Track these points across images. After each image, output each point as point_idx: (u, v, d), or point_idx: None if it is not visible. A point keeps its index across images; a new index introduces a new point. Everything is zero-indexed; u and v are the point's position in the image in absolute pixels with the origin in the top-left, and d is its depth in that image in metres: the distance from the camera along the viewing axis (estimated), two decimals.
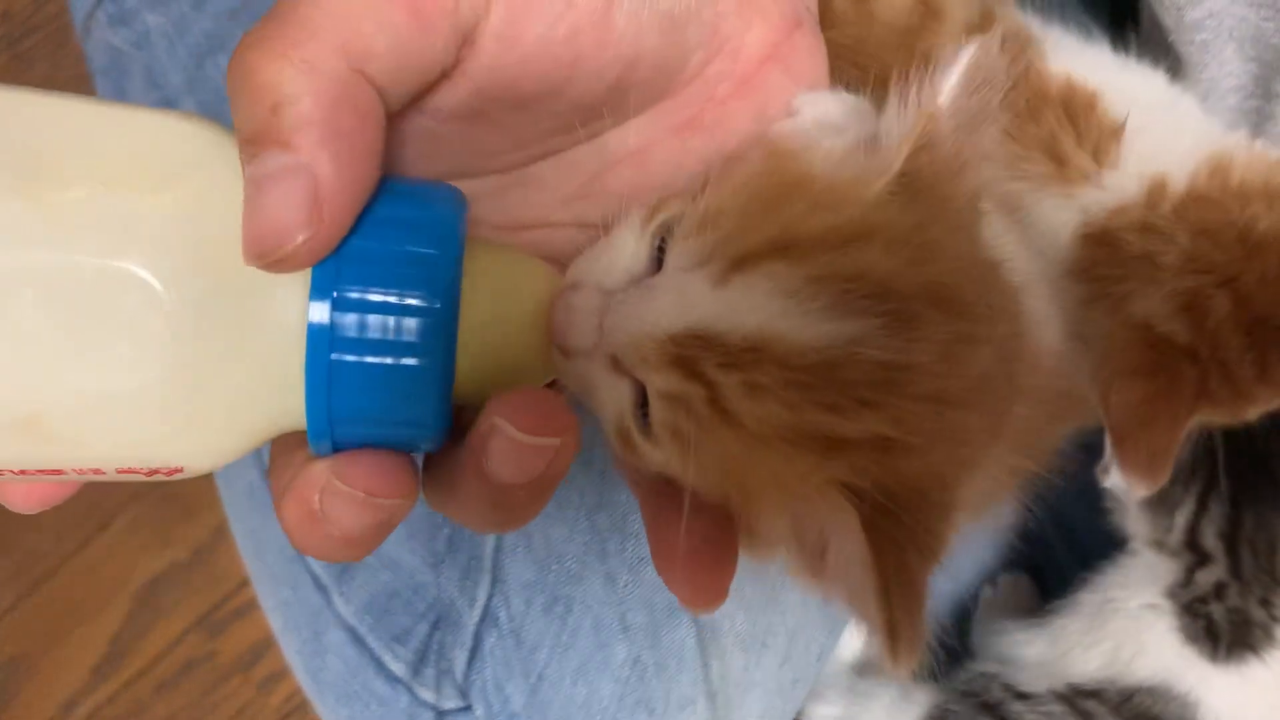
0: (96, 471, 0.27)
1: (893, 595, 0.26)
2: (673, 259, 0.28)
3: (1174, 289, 0.41)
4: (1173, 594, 0.56)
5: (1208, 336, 0.41)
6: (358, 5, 0.25)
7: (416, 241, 0.27)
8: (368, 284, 0.26)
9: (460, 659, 0.53)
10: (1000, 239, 0.34)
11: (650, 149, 0.34)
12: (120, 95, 0.61)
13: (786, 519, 0.29)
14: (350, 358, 0.26)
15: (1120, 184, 0.42)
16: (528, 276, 0.30)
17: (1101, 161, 0.42)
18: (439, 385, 0.27)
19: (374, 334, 0.26)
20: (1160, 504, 0.57)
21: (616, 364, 0.29)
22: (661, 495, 0.31)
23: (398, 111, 0.28)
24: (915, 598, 0.26)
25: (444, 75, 0.28)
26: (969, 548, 0.71)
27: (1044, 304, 0.37)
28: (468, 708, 0.53)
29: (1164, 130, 0.43)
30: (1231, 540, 0.56)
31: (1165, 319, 0.41)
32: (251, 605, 0.96)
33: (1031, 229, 0.43)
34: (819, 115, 0.34)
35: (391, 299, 0.26)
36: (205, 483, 0.99)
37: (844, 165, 0.29)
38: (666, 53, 0.31)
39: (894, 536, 0.26)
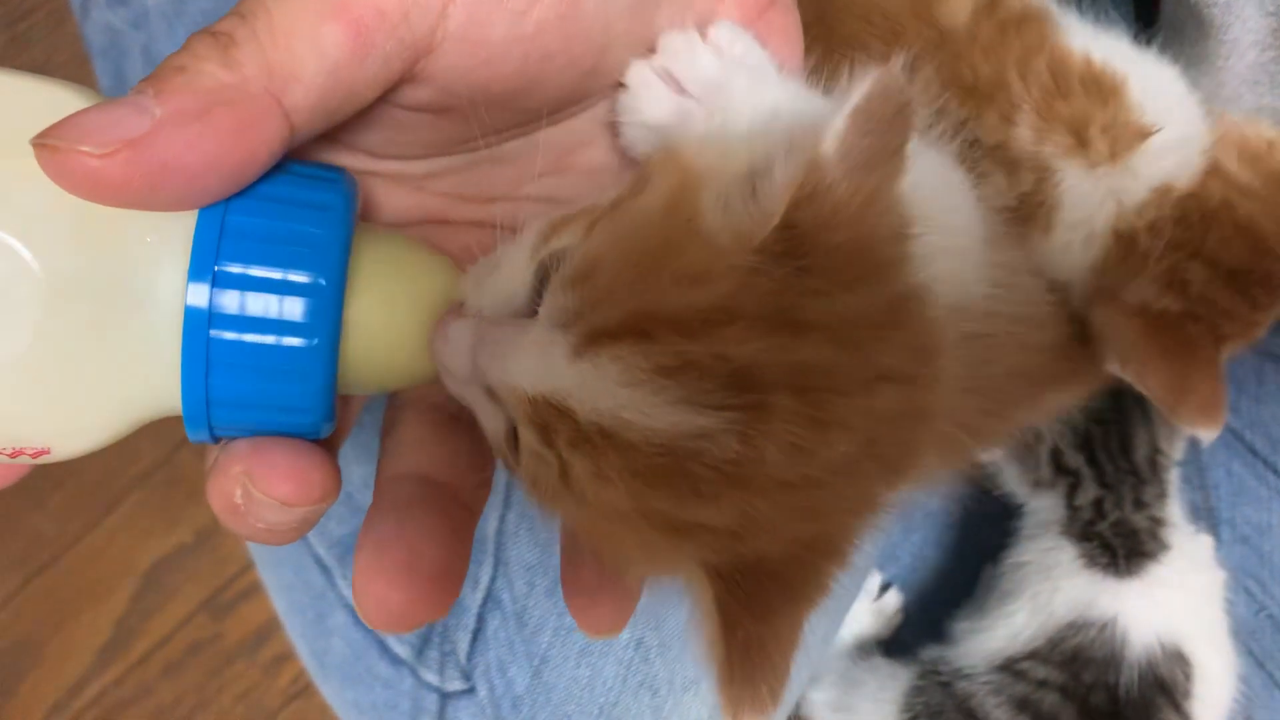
0: None
1: (735, 670, 0.26)
2: (545, 309, 0.27)
3: (1155, 271, 0.46)
4: (1065, 530, 0.59)
5: (1197, 300, 0.46)
6: (302, 20, 0.25)
7: (304, 220, 0.26)
8: (250, 260, 0.25)
9: (463, 641, 0.53)
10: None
11: None
12: (119, 76, 0.61)
13: (641, 572, 0.30)
14: (229, 335, 0.25)
15: (1136, 180, 0.46)
16: (423, 268, 0.30)
17: (1118, 157, 0.45)
18: (322, 368, 0.26)
19: (255, 311, 0.25)
20: (1025, 449, 0.62)
21: (492, 394, 0.28)
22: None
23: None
24: (766, 662, 0.26)
25: (399, 83, 0.27)
26: (971, 528, 0.70)
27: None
28: (471, 689, 0.53)
29: (1175, 135, 0.46)
30: (1089, 450, 0.59)
31: (1156, 297, 0.46)
32: (257, 587, 0.96)
33: (1065, 200, 0.46)
34: (667, 67, 0.31)
35: (275, 275, 0.25)
36: None
37: (733, 210, 0.27)
38: (637, 32, 0.31)
39: (746, 610, 0.26)
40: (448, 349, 0.28)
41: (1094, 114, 0.45)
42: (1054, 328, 0.38)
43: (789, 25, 0.34)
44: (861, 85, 0.25)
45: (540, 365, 0.26)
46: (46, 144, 0.23)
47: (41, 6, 1.08)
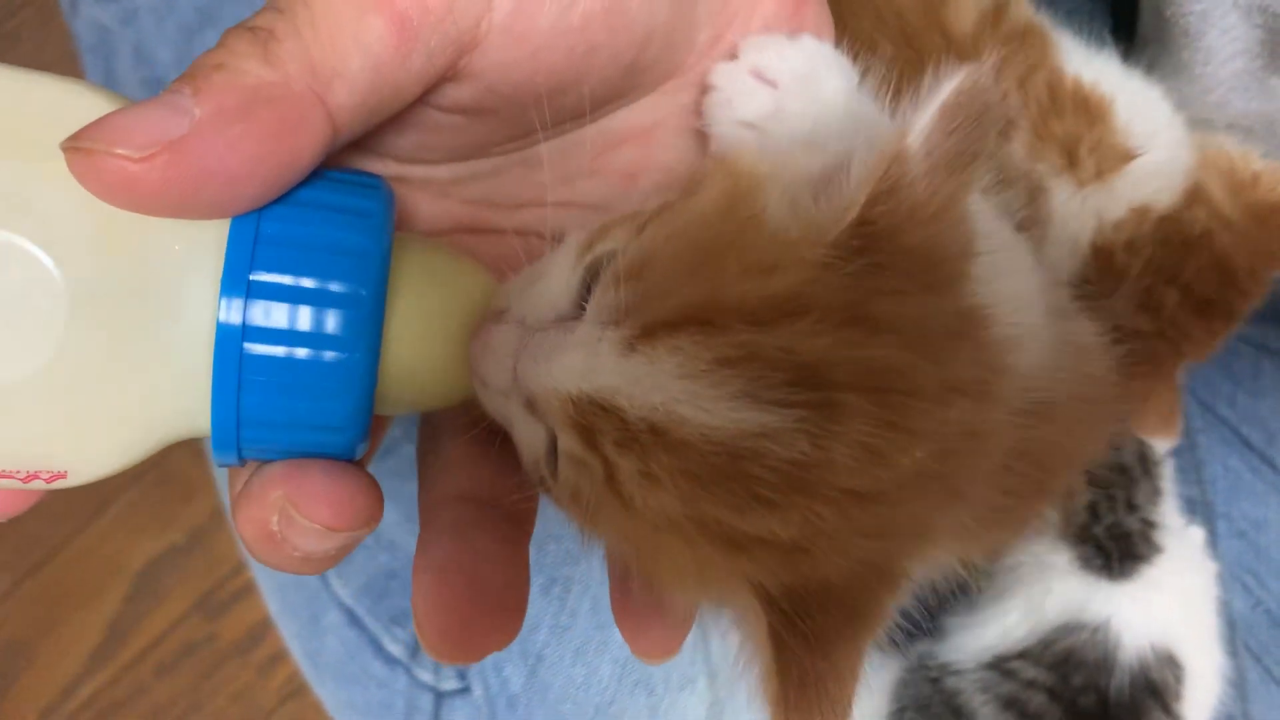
0: None
1: (791, 708, 0.24)
2: (593, 307, 0.26)
3: (1131, 290, 0.48)
4: (1061, 532, 0.59)
5: (1167, 322, 0.49)
6: (344, 14, 0.24)
7: (342, 227, 0.24)
8: (286, 269, 0.24)
9: None
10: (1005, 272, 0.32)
11: (657, 128, 0.32)
12: (108, 73, 0.60)
13: (692, 596, 0.28)
14: (263, 349, 0.23)
15: (1116, 200, 0.47)
16: (464, 279, 0.28)
17: (1104, 176, 0.46)
18: (361, 384, 0.25)
19: (292, 324, 0.24)
20: None
21: (532, 406, 0.27)
22: None
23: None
24: (825, 699, 0.25)
25: (441, 80, 0.26)
26: None
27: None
28: (466, 689, 0.53)
29: (1153, 154, 0.47)
30: None
31: (1130, 316, 0.48)
32: (250, 588, 0.96)
33: (1055, 216, 0.47)
34: (758, 65, 0.31)
35: (312, 285, 0.24)
36: (202, 465, 0.99)
37: (802, 207, 0.26)
38: (677, 27, 0.30)
39: (802, 644, 0.24)
40: (488, 358, 0.27)
41: (1083, 134, 0.46)
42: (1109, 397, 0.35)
43: (824, 15, 0.34)
44: (951, 81, 0.24)
45: (586, 363, 0.25)
46: (80, 147, 0.22)
47: (30, 4, 1.07)
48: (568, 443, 0.26)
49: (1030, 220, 0.47)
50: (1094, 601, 0.57)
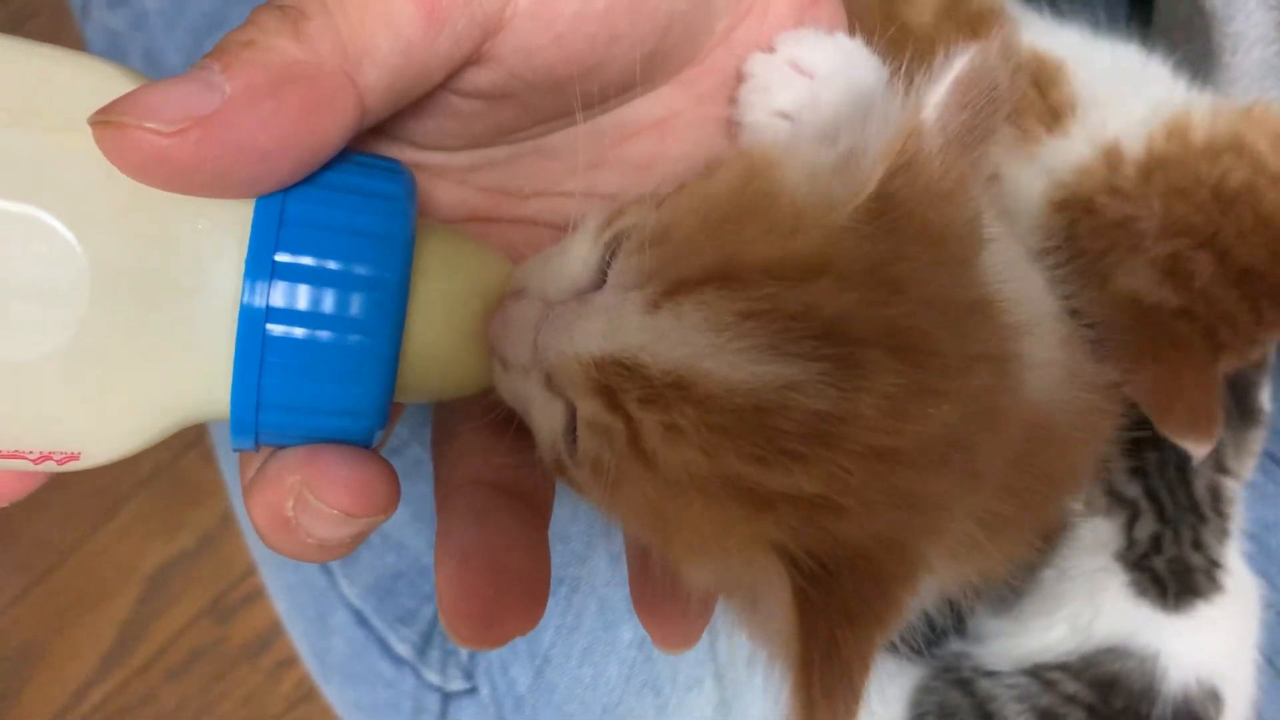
0: None
1: (813, 676, 0.23)
2: (615, 275, 0.26)
3: (1154, 255, 0.42)
4: (1120, 557, 0.58)
5: (1199, 296, 0.42)
6: None
7: (367, 211, 0.24)
8: (311, 251, 0.23)
9: None
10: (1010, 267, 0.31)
11: (672, 119, 0.32)
12: None
13: (710, 570, 0.27)
14: (286, 331, 0.23)
15: (1071, 147, 0.44)
16: (484, 266, 0.28)
17: (1052, 129, 0.44)
18: (383, 369, 0.24)
19: (315, 306, 0.23)
20: None
21: (551, 383, 0.27)
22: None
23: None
24: (844, 676, 0.24)
25: (465, 64, 0.26)
26: None
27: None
28: (473, 689, 0.53)
29: (1117, 99, 0.44)
30: (1147, 482, 0.57)
31: (1151, 288, 0.42)
32: (259, 592, 0.96)
33: (1009, 198, 0.45)
34: (795, 56, 0.31)
35: (337, 268, 0.23)
36: (212, 469, 0.99)
37: (820, 182, 0.26)
38: (696, 15, 0.30)
39: (827, 608, 0.24)
40: (509, 334, 0.27)
41: (1033, 101, 0.44)
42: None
43: (837, 15, 0.34)
44: (962, 58, 0.24)
45: (609, 325, 0.25)
46: (110, 121, 0.21)
47: (44, 10, 1.08)
48: (588, 410, 0.26)
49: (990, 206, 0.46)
50: (1145, 631, 0.56)
